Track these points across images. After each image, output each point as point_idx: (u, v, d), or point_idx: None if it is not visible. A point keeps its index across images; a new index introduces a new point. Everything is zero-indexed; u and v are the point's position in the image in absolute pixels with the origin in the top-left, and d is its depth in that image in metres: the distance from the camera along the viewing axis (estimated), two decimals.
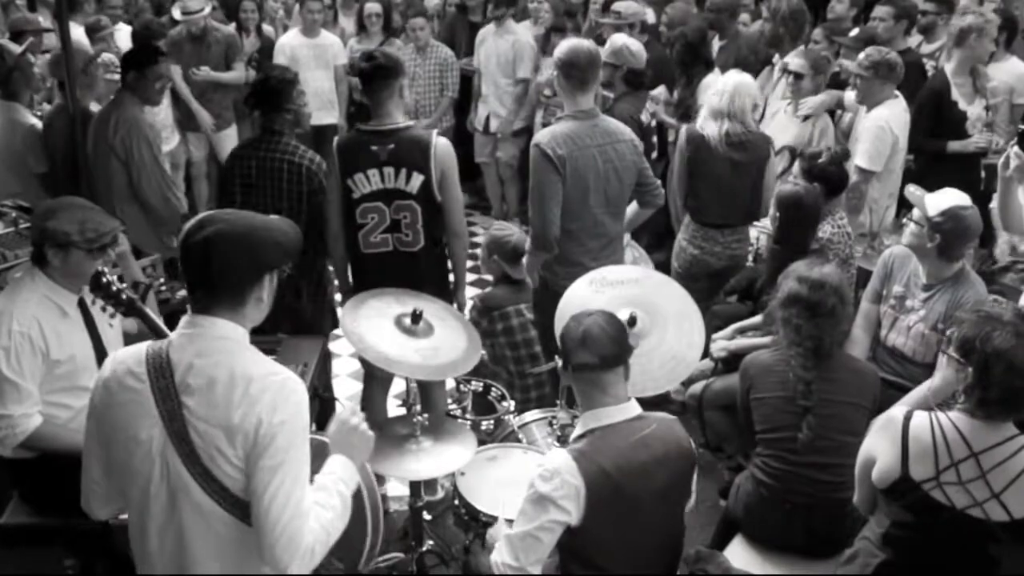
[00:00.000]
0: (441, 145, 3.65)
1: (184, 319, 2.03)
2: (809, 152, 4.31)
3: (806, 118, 4.84)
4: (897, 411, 2.51)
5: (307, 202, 3.83)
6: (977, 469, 2.34)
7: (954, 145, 4.88)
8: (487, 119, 7.00)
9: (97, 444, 2.08)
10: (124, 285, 2.72)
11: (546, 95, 6.48)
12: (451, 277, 3.96)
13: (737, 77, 4.54)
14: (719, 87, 4.54)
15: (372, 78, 3.63)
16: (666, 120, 5.48)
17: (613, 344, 2.51)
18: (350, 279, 3.88)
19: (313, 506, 2.00)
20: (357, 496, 2.25)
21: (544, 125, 5.57)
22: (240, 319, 2.03)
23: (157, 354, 2.00)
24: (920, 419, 2.43)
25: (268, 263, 2.05)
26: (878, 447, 2.50)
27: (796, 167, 4.39)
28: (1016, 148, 3.26)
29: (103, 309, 2.66)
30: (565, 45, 3.79)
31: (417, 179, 3.60)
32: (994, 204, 3.82)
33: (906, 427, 2.43)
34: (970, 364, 2.36)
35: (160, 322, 2.72)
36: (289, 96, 3.89)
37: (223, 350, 1.98)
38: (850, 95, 4.85)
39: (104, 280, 2.65)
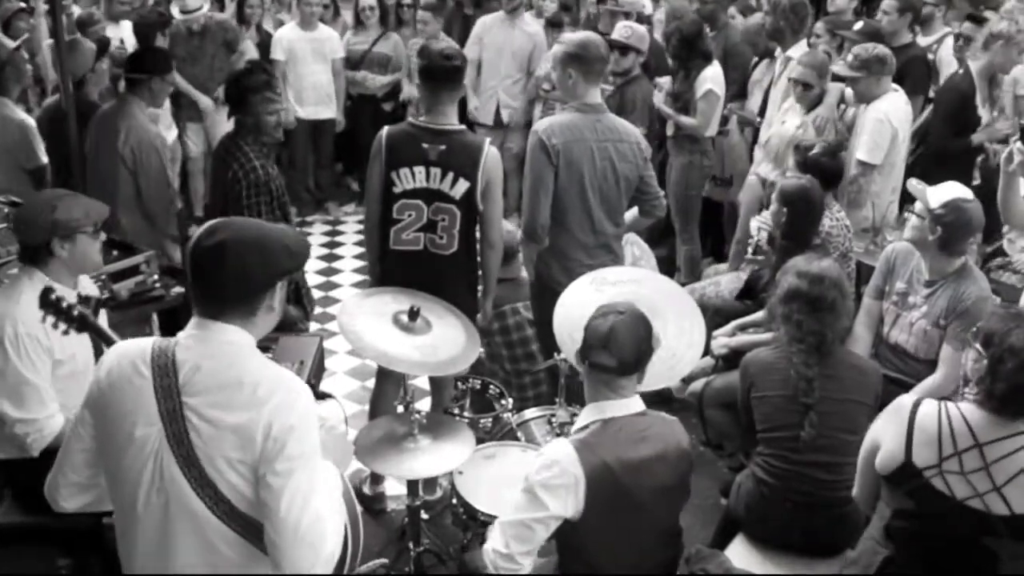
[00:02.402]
0: (492, 155, 3.58)
1: (192, 321, 1.99)
2: (803, 144, 4.26)
3: (810, 110, 4.79)
4: (907, 398, 2.52)
5: (231, 209, 3.72)
6: (980, 460, 2.35)
7: (978, 136, 4.79)
8: (497, 111, 6.86)
9: (87, 433, 2.04)
10: (75, 301, 2.60)
11: (544, 89, 6.43)
12: (479, 286, 3.86)
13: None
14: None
15: (446, 78, 3.54)
16: (663, 110, 5.44)
17: (636, 350, 2.49)
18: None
19: (328, 513, 1.96)
20: None
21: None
22: (250, 327, 1.99)
23: (163, 352, 1.95)
24: (928, 407, 2.44)
25: (280, 270, 2.00)
26: (884, 432, 2.50)
27: (791, 160, 4.36)
28: (1019, 143, 3.24)
29: (54, 326, 2.51)
30: (575, 37, 3.75)
31: (462, 185, 3.53)
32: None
33: (913, 413, 2.44)
34: (987, 356, 2.38)
35: (115, 337, 2.56)
36: (250, 102, 3.80)
37: (231, 353, 1.94)
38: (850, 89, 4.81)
39: (53, 296, 2.50)
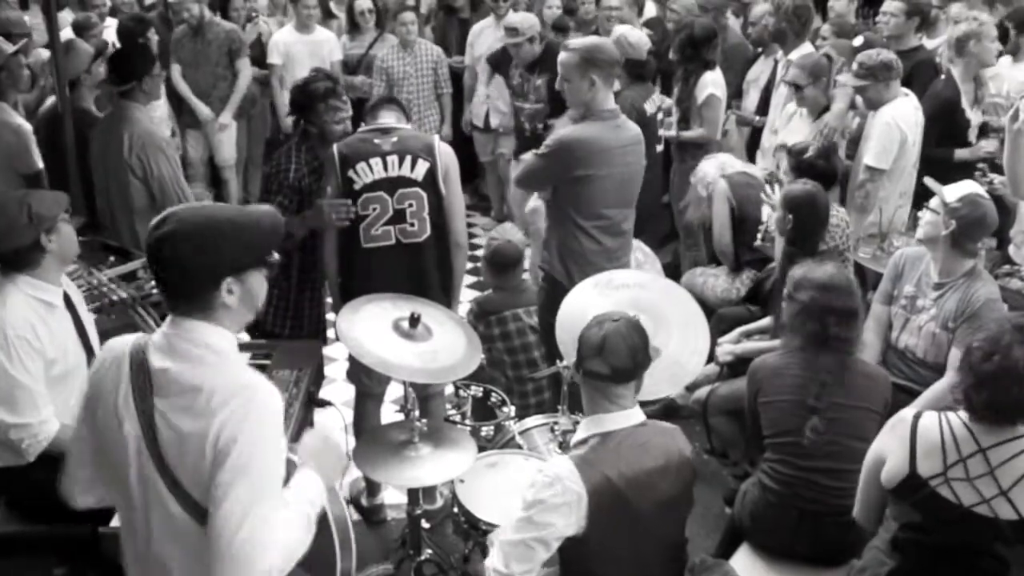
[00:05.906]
0: (444, 147, 3.63)
1: (167, 319, 1.95)
2: (796, 148, 4.23)
3: (820, 115, 4.76)
4: (907, 412, 2.52)
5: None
6: (985, 465, 2.34)
7: (961, 153, 4.75)
8: (487, 116, 6.85)
9: (88, 430, 2.01)
10: None
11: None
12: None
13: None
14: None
15: (389, 107, 3.72)
16: (670, 135, 5.38)
17: (630, 357, 2.46)
18: (339, 297, 3.72)
19: (276, 526, 1.87)
20: (323, 520, 2.10)
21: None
22: (216, 323, 1.91)
23: (139, 350, 1.92)
24: (929, 418, 2.44)
25: (227, 265, 1.88)
26: (887, 446, 2.49)
27: (784, 164, 4.33)
28: None
29: None
30: (586, 41, 3.74)
31: (423, 166, 3.54)
32: None
33: (915, 425, 2.44)
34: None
35: None
36: (315, 110, 3.76)
37: (197, 356, 1.88)
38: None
39: None
